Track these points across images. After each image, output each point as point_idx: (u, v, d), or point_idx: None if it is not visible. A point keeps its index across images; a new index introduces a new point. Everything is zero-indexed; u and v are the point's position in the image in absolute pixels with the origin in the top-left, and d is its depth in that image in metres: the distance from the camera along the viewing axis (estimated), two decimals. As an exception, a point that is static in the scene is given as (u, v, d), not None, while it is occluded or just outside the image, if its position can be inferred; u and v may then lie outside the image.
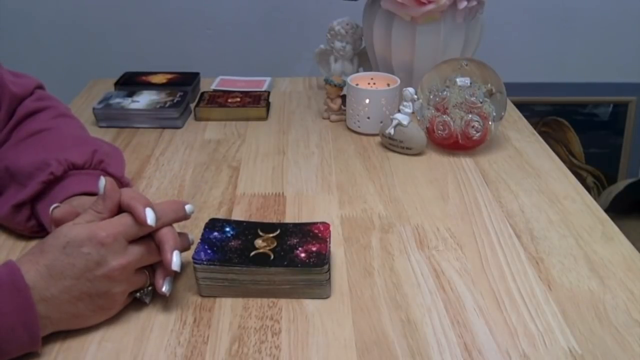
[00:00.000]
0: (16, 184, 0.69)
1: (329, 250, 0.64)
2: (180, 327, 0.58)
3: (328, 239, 0.65)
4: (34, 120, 0.75)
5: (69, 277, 0.54)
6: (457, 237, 0.72)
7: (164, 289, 0.59)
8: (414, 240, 0.71)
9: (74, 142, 0.72)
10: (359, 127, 0.99)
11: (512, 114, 1.07)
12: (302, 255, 0.62)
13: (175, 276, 0.63)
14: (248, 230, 0.67)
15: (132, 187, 0.77)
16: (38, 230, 0.70)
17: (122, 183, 0.73)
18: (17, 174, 0.69)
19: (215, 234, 0.66)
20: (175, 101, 1.04)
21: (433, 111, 0.92)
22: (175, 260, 0.58)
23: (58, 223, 0.59)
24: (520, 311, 0.60)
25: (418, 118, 0.94)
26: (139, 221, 0.57)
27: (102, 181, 0.58)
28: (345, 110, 1.01)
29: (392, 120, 0.91)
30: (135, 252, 0.57)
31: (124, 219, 0.57)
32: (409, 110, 0.92)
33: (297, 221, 0.73)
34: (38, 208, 0.68)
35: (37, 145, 0.71)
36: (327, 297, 0.62)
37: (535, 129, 1.02)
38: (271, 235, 0.66)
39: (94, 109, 1.02)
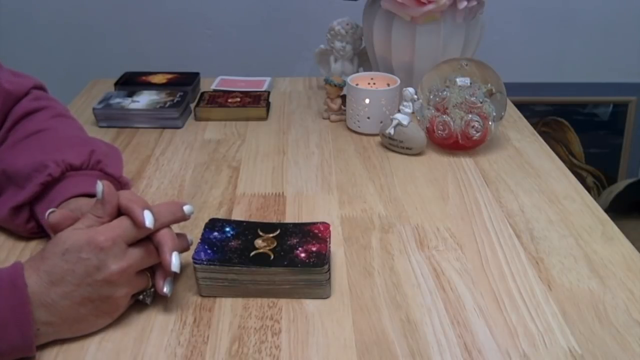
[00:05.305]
0: (14, 185, 0.69)
1: (329, 250, 0.64)
2: (180, 327, 0.58)
3: (328, 239, 0.65)
4: (31, 120, 0.75)
5: (69, 283, 0.54)
6: (457, 237, 0.72)
7: (165, 289, 0.59)
8: (414, 240, 0.71)
9: (72, 143, 0.72)
10: (359, 127, 0.99)
11: (512, 114, 1.07)
12: (302, 255, 0.62)
13: (175, 276, 0.63)
14: (248, 230, 0.67)
15: (131, 187, 0.77)
16: (38, 232, 0.70)
17: (120, 183, 0.73)
18: (14, 176, 0.69)
19: (215, 234, 0.66)
20: (175, 101, 1.04)
21: (433, 111, 0.92)
22: (175, 261, 0.58)
23: (55, 228, 0.58)
24: (520, 311, 0.60)
25: (418, 118, 0.94)
26: (137, 224, 0.57)
27: (100, 186, 0.58)
28: (345, 110, 1.01)
29: (392, 120, 0.91)
30: (134, 255, 0.57)
31: (122, 222, 0.57)
32: (409, 110, 0.92)
33: (297, 221, 0.73)
34: (37, 210, 0.68)
35: (35, 146, 0.71)
36: (327, 297, 0.62)
37: (535, 129, 1.02)
38: (271, 235, 0.66)
39: (94, 109, 1.02)
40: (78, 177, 0.68)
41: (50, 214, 0.59)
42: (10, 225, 0.70)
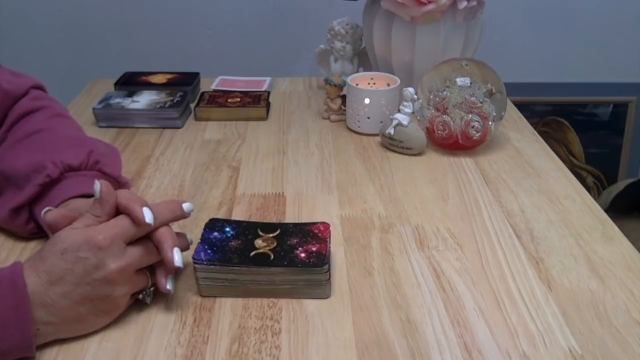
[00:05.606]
0: (13, 186, 0.69)
1: (329, 250, 0.64)
2: (180, 327, 0.58)
3: (328, 239, 0.65)
4: (30, 120, 0.74)
5: (68, 283, 0.54)
6: (457, 237, 0.72)
7: (168, 286, 0.59)
8: (414, 240, 0.71)
9: (70, 143, 0.72)
10: (359, 127, 0.99)
11: (512, 114, 1.07)
12: (302, 255, 0.62)
13: (175, 276, 0.63)
14: (248, 230, 0.67)
15: (131, 187, 0.76)
16: (38, 232, 0.70)
17: (119, 182, 0.73)
18: (13, 177, 0.69)
19: (215, 234, 0.66)
20: (175, 101, 1.04)
21: (433, 111, 0.92)
22: (177, 257, 0.58)
23: (52, 227, 0.58)
24: (520, 311, 0.60)
25: (418, 118, 0.94)
26: (137, 221, 0.57)
27: (98, 185, 0.58)
28: (345, 110, 1.01)
29: (392, 120, 0.91)
30: (134, 254, 0.57)
31: (121, 221, 0.57)
32: (409, 110, 0.92)
33: (297, 221, 0.73)
34: (36, 211, 0.67)
35: (33, 146, 0.71)
36: (327, 297, 0.62)
37: (535, 129, 1.02)
38: (271, 235, 0.66)
39: (94, 109, 1.02)
40: (77, 177, 0.68)
41: (47, 213, 0.59)
42: (10, 226, 0.70)
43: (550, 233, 0.73)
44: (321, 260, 0.61)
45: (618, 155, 1.80)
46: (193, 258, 0.62)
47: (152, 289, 0.61)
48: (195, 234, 0.67)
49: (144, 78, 1.16)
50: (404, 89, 0.92)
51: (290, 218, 0.76)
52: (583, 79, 1.71)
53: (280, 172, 0.88)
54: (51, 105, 0.78)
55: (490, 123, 0.89)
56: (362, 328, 0.58)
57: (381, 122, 0.95)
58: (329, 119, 1.05)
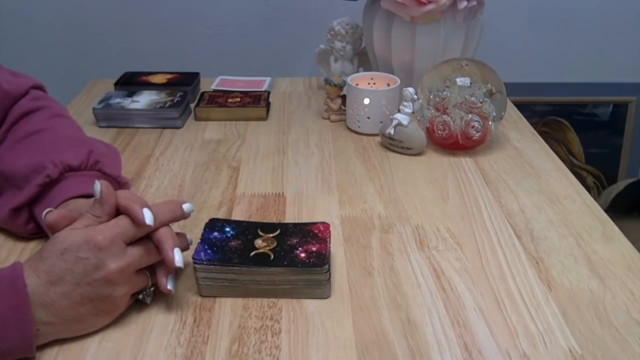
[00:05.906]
0: (13, 187, 0.69)
1: (329, 250, 0.64)
2: (180, 327, 0.58)
3: (328, 239, 0.65)
4: (29, 120, 0.74)
5: (68, 283, 0.54)
6: (457, 237, 0.72)
7: (168, 286, 0.59)
8: (414, 240, 0.71)
9: (70, 143, 0.72)
10: (359, 127, 0.99)
11: (512, 114, 1.07)
12: (302, 255, 0.62)
13: (175, 276, 0.63)
14: (248, 230, 0.67)
15: (130, 187, 0.76)
16: (38, 233, 0.70)
17: (119, 183, 0.73)
18: (13, 177, 0.69)
19: (215, 234, 0.66)
20: (175, 101, 1.04)
21: (433, 111, 0.92)
22: (177, 257, 0.58)
23: (52, 228, 0.58)
24: (520, 311, 0.60)
25: (418, 118, 0.94)
26: (137, 222, 0.57)
27: (98, 185, 0.58)
28: (345, 110, 1.01)
29: (392, 120, 0.91)
30: (134, 254, 0.57)
31: (121, 221, 0.57)
32: (409, 110, 0.92)
33: (297, 221, 0.73)
34: (36, 211, 0.67)
35: (33, 147, 0.71)
36: (327, 297, 0.62)
37: (535, 129, 1.02)
38: (271, 235, 0.66)
39: (94, 109, 1.02)
40: (76, 177, 0.68)
41: (47, 214, 0.59)
42: (10, 226, 0.70)
43: (550, 233, 0.73)
44: (321, 260, 0.61)
45: (618, 155, 1.80)
46: (193, 258, 0.62)
47: (152, 289, 0.61)
48: (195, 234, 0.67)
49: (144, 78, 1.16)
50: (404, 89, 0.92)
51: (290, 218, 0.76)
52: (583, 79, 1.71)
53: (280, 172, 0.88)
54: (51, 105, 0.78)
55: (490, 123, 0.89)
56: (362, 328, 0.58)
57: (381, 122, 0.95)
58: (329, 119, 1.05)
